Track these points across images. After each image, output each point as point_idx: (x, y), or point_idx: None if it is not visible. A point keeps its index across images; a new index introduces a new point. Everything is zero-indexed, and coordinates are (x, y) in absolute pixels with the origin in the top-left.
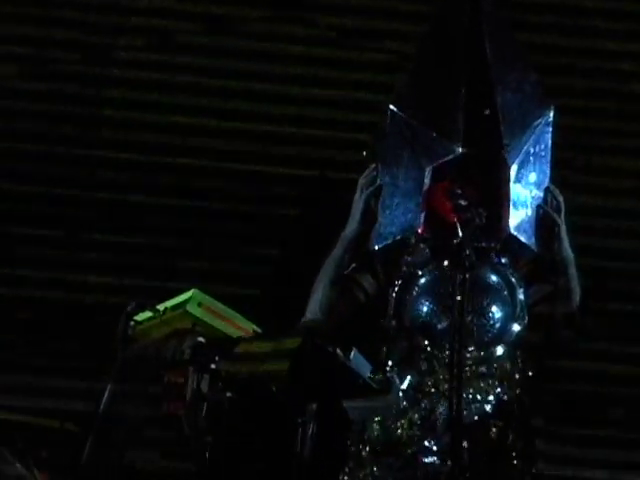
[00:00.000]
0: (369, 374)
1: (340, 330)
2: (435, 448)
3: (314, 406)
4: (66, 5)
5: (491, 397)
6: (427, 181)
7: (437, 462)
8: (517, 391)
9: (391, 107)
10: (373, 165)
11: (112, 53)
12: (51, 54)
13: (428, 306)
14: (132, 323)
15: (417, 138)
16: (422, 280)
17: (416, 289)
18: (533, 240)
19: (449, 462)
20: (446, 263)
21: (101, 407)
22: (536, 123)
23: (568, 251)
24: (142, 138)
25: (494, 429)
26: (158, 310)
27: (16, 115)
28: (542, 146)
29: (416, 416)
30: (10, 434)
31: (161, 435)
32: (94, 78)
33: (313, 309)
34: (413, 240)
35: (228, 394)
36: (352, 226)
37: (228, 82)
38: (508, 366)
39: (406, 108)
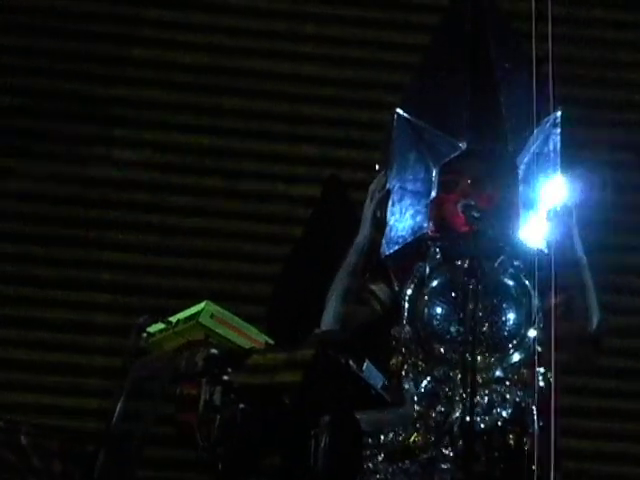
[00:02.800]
0: (382, 385)
1: (354, 339)
2: (451, 454)
3: (327, 418)
4: None
5: (508, 402)
6: (435, 187)
7: (453, 468)
8: (535, 397)
9: (398, 111)
10: (383, 172)
11: None
12: None
13: (441, 310)
14: (144, 335)
15: (423, 139)
16: (434, 283)
17: (428, 293)
18: (544, 243)
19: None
20: (458, 273)
21: (113, 421)
22: (542, 123)
23: (581, 254)
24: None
25: (511, 435)
26: (170, 322)
27: None
28: (550, 147)
29: (431, 421)
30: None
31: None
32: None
33: (328, 320)
34: (424, 245)
35: (241, 406)
36: (364, 233)
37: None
38: (525, 372)
39: (412, 110)
